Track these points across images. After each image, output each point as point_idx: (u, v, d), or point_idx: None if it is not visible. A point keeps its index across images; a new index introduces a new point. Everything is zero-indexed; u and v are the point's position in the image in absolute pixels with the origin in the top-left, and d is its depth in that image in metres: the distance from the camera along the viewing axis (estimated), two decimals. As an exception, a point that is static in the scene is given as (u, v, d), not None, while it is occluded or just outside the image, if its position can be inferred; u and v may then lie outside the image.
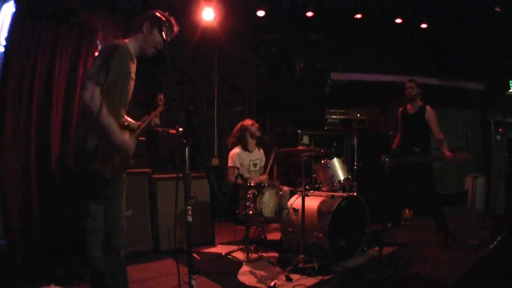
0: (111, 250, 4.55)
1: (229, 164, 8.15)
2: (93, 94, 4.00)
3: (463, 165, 11.88)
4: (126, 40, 4.53)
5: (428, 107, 8.48)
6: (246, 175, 7.83)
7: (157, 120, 4.74)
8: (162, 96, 4.82)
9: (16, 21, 5.61)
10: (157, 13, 4.54)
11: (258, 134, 8.20)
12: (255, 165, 8.35)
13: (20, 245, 5.46)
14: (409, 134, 8.68)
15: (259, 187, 7.15)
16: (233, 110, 11.24)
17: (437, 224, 8.28)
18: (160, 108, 4.77)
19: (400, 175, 8.60)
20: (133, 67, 4.51)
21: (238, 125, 8.34)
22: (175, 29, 4.64)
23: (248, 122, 8.24)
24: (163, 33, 4.40)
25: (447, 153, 7.97)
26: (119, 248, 4.63)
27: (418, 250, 7.41)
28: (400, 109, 8.99)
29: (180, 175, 4.02)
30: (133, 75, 4.53)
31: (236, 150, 8.22)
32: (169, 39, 4.52)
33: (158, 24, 4.46)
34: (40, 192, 5.84)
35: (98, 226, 4.42)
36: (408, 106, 8.78)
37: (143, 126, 4.64)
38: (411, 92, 8.60)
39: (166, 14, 4.58)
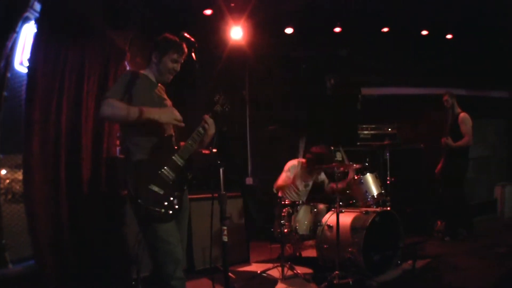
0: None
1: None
2: (108, 102, 3.98)
3: (492, 174, 11.86)
4: (142, 71, 4.45)
5: (461, 114, 9.02)
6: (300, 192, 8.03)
7: (209, 121, 4.39)
8: (219, 96, 4.58)
9: (39, 41, 5.64)
10: (164, 38, 4.42)
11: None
12: (307, 185, 8.34)
13: (50, 266, 5.48)
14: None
15: (294, 205, 7.16)
16: (266, 128, 11.23)
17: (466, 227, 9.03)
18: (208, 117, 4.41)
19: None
20: (156, 88, 4.46)
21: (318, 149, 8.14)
22: (185, 50, 4.45)
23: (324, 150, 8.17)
24: (182, 55, 4.36)
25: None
26: None
27: (450, 262, 7.38)
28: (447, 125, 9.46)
29: (215, 195, 4.02)
30: (162, 96, 4.50)
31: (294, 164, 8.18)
32: (181, 61, 4.45)
33: (165, 51, 4.38)
34: (71, 213, 5.88)
35: (173, 250, 4.08)
36: (450, 117, 9.32)
37: (187, 143, 4.34)
38: (447, 105, 9.24)
39: (174, 37, 4.42)
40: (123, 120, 4.11)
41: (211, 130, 4.41)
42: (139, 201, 3.92)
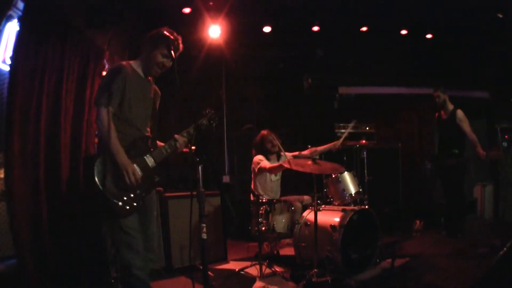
0: None
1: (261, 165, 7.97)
2: (104, 119, 4.07)
3: (472, 173, 11.91)
4: (131, 62, 4.53)
5: (458, 110, 9.00)
6: (268, 185, 7.99)
7: (180, 141, 4.52)
8: (208, 110, 4.76)
9: (21, 40, 5.60)
10: (160, 32, 4.47)
11: (275, 142, 8.06)
12: (275, 174, 8.25)
13: (32, 265, 5.44)
14: (446, 138, 9.27)
15: (271, 203, 7.15)
16: (243, 128, 11.20)
17: (449, 230, 9.05)
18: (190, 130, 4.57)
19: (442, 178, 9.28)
20: (143, 85, 4.52)
21: (258, 136, 8.30)
22: (180, 47, 4.54)
23: (264, 132, 8.21)
24: (172, 51, 4.37)
25: (482, 152, 8.51)
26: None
27: (429, 261, 7.37)
28: (436, 114, 9.56)
29: (194, 193, 4.03)
30: (147, 94, 4.56)
31: (260, 156, 8.12)
32: (173, 56, 4.43)
33: (158, 44, 4.42)
34: (50, 213, 5.84)
35: (133, 242, 4.24)
36: (442, 112, 9.32)
37: (163, 147, 4.51)
38: (439, 101, 9.18)
39: (170, 33, 4.48)
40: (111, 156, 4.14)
41: (181, 148, 4.52)
42: (101, 188, 4.03)
